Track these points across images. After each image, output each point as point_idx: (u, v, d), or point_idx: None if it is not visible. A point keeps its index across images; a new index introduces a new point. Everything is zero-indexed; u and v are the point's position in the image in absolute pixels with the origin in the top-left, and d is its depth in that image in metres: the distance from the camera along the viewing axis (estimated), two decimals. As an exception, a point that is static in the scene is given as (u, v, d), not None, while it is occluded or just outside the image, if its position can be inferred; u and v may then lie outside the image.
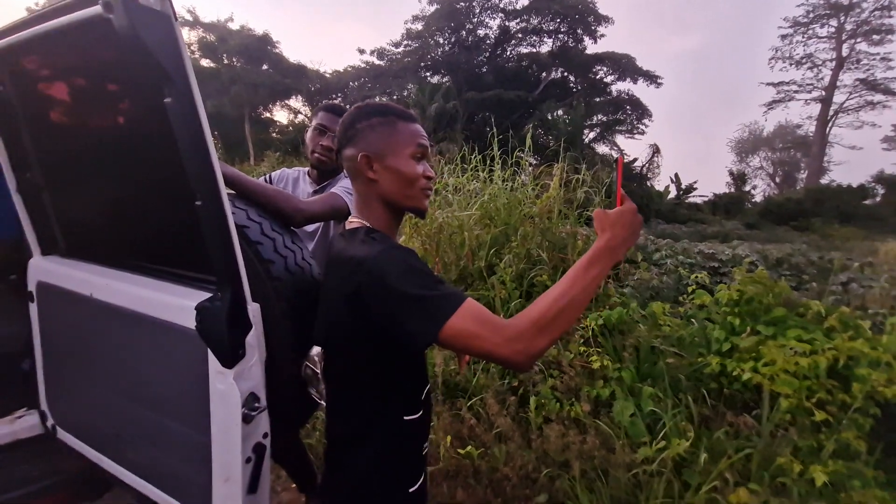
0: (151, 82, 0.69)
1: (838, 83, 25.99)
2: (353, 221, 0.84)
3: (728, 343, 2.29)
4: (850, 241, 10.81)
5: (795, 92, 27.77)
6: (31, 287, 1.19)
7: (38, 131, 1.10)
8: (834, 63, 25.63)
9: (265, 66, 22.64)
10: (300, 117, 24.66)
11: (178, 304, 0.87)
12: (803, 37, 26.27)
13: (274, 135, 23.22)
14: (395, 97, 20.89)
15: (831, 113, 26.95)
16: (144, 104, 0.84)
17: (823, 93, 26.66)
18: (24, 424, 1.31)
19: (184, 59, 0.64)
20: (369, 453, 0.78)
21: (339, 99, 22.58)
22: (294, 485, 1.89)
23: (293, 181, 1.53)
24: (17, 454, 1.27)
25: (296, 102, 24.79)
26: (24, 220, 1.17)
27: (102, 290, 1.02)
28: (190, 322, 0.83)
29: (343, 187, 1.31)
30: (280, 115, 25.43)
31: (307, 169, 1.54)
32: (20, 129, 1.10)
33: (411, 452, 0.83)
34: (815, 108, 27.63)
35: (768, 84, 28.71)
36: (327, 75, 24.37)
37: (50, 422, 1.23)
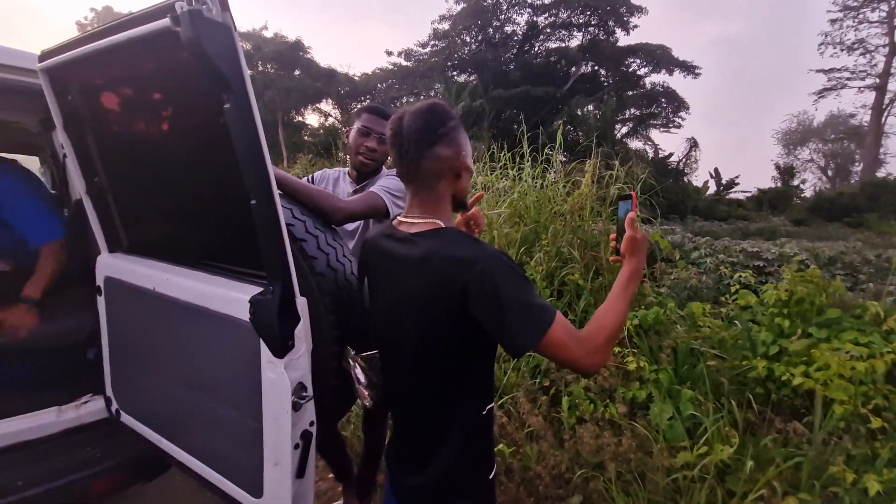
0: (211, 90, 0.74)
1: (893, 70, 24.04)
2: (417, 222, 0.84)
3: (776, 346, 2.18)
4: (912, 239, 9.96)
5: (848, 79, 25.86)
6: (100, 282, 1.29)
7: (103, 138, 1.20)
8: (887, 49, 23.73)
9: (297, 72, 23.36)
10: (330, 120, 25.29)
11: (232, 297, 0.93)
12: (854, 21, 24.45)
13: (306, 137, 23.90)
14: (421, 97, 21.03)
15: (886, 101, 24.96)
16: (204, 111, 0.89)
17: (878, 80, 24.73)
18: (89, 409, 1.42)
19: (242, 68, 0.68)
20: (454, 446, 0.81)
21: (368, 101, 22.95)
22: (331, 475, 1.95)
23: (333, 181, 1.58)
24: (84, 437, 1.39)
25: (326, 105, 25.43)
26: (93, 221, 1.28)
27: (163, 284, 1.09)
28: (244, 314, 0.88)
29: (381, 186, 1.34)
30: (311, 119, 26.14)
31: (347, 169, 1.59)
32: (87, 137, 1.20)
33: (489, 441, 0.88)
34: (870, 97, 25.66)
35: (818, 71, 26.81)
36: (356, 78, 24.85)
37: (114, 406, 1.33)
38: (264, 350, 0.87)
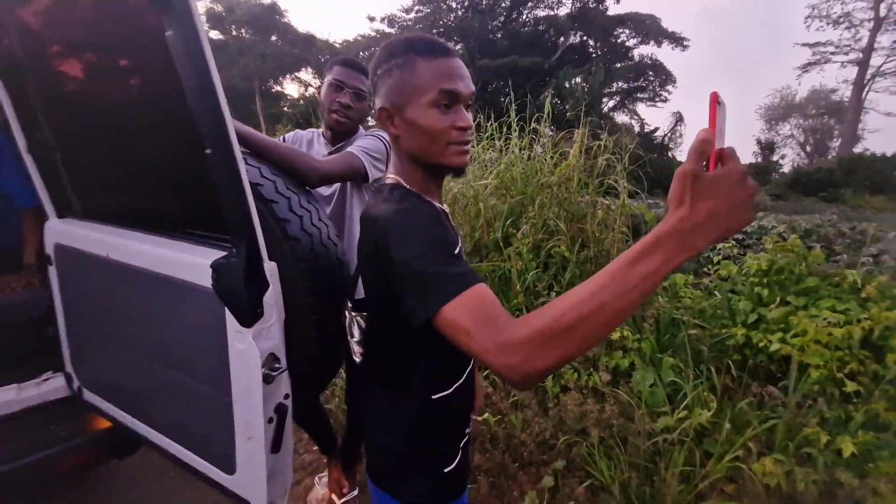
0: (153, 21, 0.63)
1: (875, 45, 24.21)
2: (389, 177, 0.75)
3: (754, 314, 2.21)
4: (882, 212, 10.32)
5: (832, 53, 26.00)
6: (49, 250, 1.19)
7: (46, 89, 1.07)
8: (871, 23, 23.81)
9: (273, 38, 22.17)
10: (310, 90, 24.28)
11: (194, 262, 0.85)
12: (841, -6, 24.34)
13: (285, 109, 22.99)
14: (406, 66, 20.28)
15: (868, 76, 25.27)
16: (151, 54, 0.78)
17: (861, 55, 24.92)
18: (50, 386, 1.34)
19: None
20: (400, 430, 0.72)
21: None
22: (316, 447, 1.93)
23: (307, 142, 1.47)
24: (45, 415, 1.31)
25: (306, 75, 24.38)
26: (38, 183, 1.16)
27: (118, 250, 1.00)
28: (207, 281, 0.80)
29: (359, 146, 1.25)
30: (291, 89, 25.07)
31: (321, 130, 1.47)
32: (27, 87, 1.06)
33: (443, 431, 0.75)
34: (852, 72, 25.92)
35: (804, 45, 26.85)
36: (337, 45, 23.77)
37: (76, 383, 1.25)
38: (230, 319, 0.80)
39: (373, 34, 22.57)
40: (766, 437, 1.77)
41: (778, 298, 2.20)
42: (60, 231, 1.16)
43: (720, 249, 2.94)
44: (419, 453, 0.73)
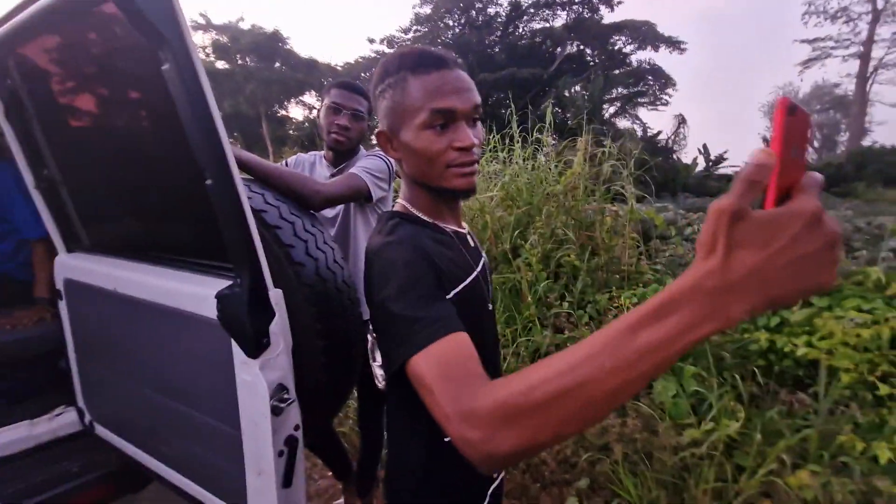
0: (152, 55, 0.63)
1: (875, 37, 24.07)
2: (398, 203, 0.71)
3: (777, 317, 2.14)
4: (898, 205, 10.08)
5: (832, 48, 25.89)
6: (59, 285, 1.19)
7: (51, 125, 1.08)
8: (870, 16, 23.73)
9: (277, 64, 22.78)
10: (314, 112, 24.81)
11: (199, 293, 0.84)
12: (837, -12, 24.33)
13: (290, 131, 23.50)
14: (407, 84, 20.62)
15: (871, 69, 25.06)
16: (152, 86, 0.79)
17: (861, 48, 24.77)
18: (62, 422, 1.33)
19: (178, 15, 0.57)
20: (416, 468, 0.65)
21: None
22: (330, 472, 1.88)
23: (310, 165, 1.48)
24: (58, 451, 1.29)
25: (309, 98, 24.92)
26: (46, 217, 1.16)
27: (125, 283, 0.99)
28: (212, 312, 0.79)
29: (361, 167, 1.24)
30: (295, 112, 25.67)
31: (323, 152, 1.49)
32: (32, 123, 1.08)
33: (457, 478, 0.66)
34: (854, 66, 25.76)
35: (803, 41, 26.79)
36: (338, 68, 24.31)
37: (87, 418, 1.24)
38: (237, 350, 0.78)
39: (373, 55, 23.08)
40: (799, 447, 1.69)
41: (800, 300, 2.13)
42: (69, 265, 1.17)
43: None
44: (432, 495, 0.67)
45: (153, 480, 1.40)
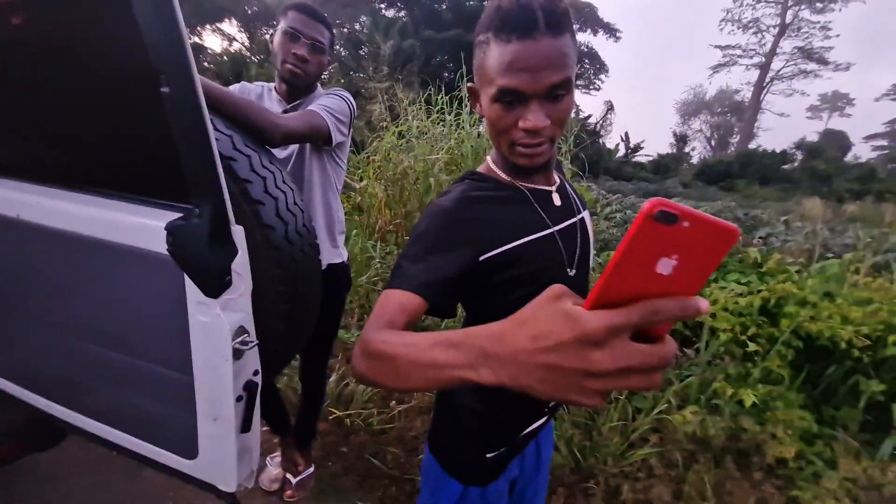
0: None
1: (778, 50, 27.32)
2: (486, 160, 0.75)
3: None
4: (768, 201, 12.04)
5: (739, 56, 28.99)
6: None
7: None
8: (777, 29, 26.73)
9: (190, -21, 19.42)
10: (235, 45, 21.84)
11: (137, 223, 0.74)
12: (753, 0, 26.96)
13: (206, 64, 20.51)
14: (345, 29, 19.04)
15: (767, 80, 28.64)
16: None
17: (763, 59, 28.03)
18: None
19: None
20: (442, 409, 0.80)
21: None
22: (266, 427, 1.84)
23: (256, 97, 1.30)
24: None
25: (230, 27, 21.79)
26: None
27: (32, 210, 0.83)
28: (155, 245, 0.70)
29: (323, 105, 1.14)
30: (212, 42, 22.32)
31: (273, 84, 1.32)
32: None
33: (485, 416, 0.76)
34: (754, 75, 29.21)
35: (716, 47, 29.63)
36: (270, -5, 21.47)
37: (-24, 368, 1.05)
38: (191, 289, 0.71)
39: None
40: (683, 393, 2.03)
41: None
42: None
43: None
44: (460, 436, 0.78)
45: (63, 439, 1.26)
